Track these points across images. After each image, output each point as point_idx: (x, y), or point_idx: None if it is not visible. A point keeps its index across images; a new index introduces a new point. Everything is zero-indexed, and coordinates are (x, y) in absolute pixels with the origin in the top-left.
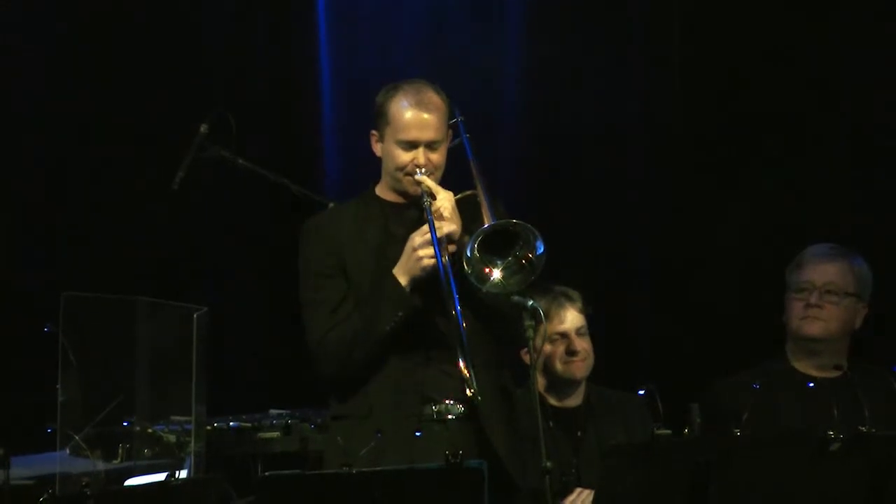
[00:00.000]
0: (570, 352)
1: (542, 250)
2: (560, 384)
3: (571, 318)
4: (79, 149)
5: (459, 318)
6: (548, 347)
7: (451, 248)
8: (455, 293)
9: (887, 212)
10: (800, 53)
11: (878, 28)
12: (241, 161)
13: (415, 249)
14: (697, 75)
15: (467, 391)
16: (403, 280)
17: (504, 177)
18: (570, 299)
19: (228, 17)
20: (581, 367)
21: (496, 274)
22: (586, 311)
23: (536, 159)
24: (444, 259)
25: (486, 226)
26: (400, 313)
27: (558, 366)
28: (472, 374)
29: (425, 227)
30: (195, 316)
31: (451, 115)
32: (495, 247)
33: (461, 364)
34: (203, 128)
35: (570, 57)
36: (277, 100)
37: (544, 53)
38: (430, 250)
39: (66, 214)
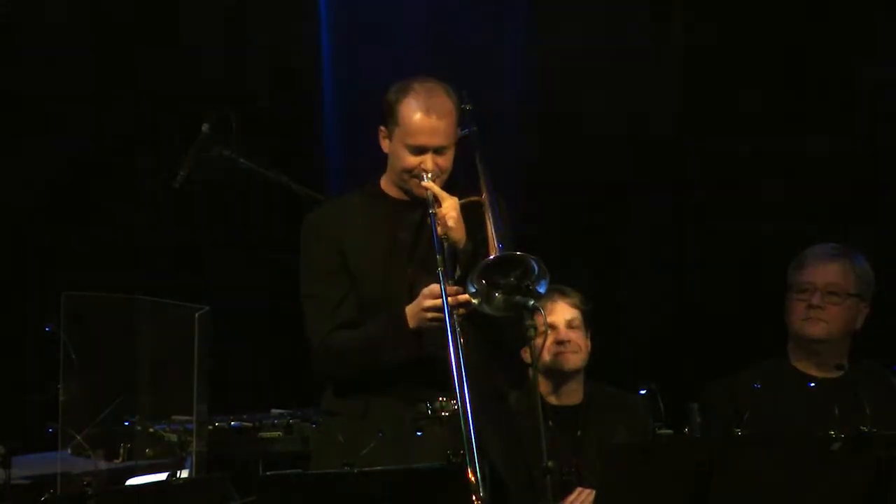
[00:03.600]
0: (559, 342)
1: (543, 290)
2: (552, 377)
3: (561, 310)
4: (79, 148)
5: (469, 414)
6: (539, 342)
7: (462, 311)
8: (464, 373)
9: (888, 211)
10: (803, 50)
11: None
12: (242, 160)
13: (424, 310)
14: (701, 72)
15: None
16: (412, 322)
17: (506, 173)
18: (562, 294)
19: (229, 15)
20: (570, 358)
21: (497, 296)
22: (581, 307)
23: (538, 157)
24: (453, 323)
25: (490, 258)
26: (401, 351)
27: (546, 357)
28: (479, 479)
29: (437, 289)
30: (196, 315)
31: (461, 118)
32: (497, 270)
33: (469, 472)
34: (205, 127)
35: (575, 53)
36: (279, 99)
37: (548, 50)
38: (439, 315)
39: (67, 213)
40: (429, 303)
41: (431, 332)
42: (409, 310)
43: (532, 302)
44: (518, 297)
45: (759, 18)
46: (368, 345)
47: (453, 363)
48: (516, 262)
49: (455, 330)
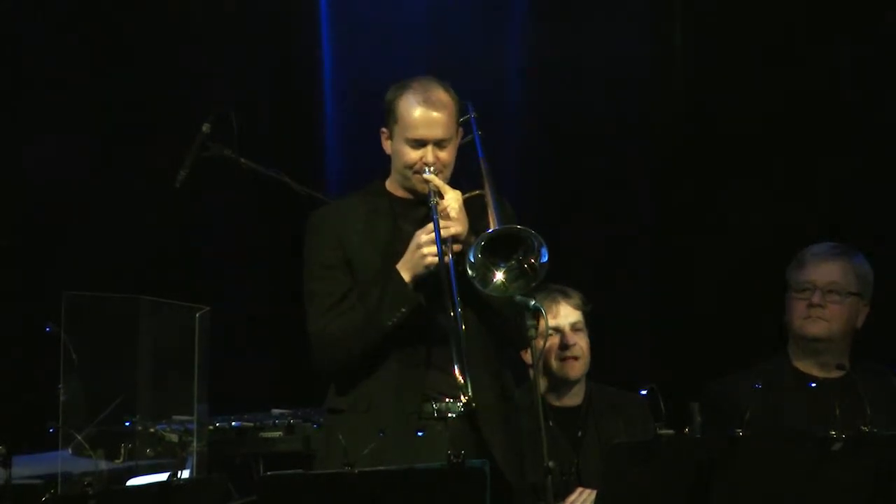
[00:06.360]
0: (564, 346)
1: (545, 258)
2: (555, 382)
3: (565, 313)
4: (79, 147)
5: (459, 320)
6: (540, 343)
7: (456, 247)
8: (456, 294)
9: (888, 210)
10: (802, 52)
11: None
12: (243, 160)
13: (419, 247)
14: (701, 72)
15: (462, 397)
16: (407, 276)
17: (506, 173)
18: (565, 295)
19: (230, 15)
20: (576, 366)
21: (498, 277)
22: (584, 309)
23: (538, 156)
24: (446, 259)
25: (490, 230)
26: (403, 309)
27: (553, 363)
28: (467, 380)
29: (430, 226)
30: (197, 315)
31: (461, 113)
32: (499, 250)
33: (456, 369)
34: (205, 127)
35: (574, 52)
36: (280, 98)
37: (547, 48)
38: (434, 249)
39: (67, 213)
40: (424, 237)
41: (432, 318)
42: (403, 263)
43: (533, 302)
44: (519, 298)
45: (759, 23)
46: (368, 313)
47: (449, 305)
48: (516, 240)
49: (450, 270)
